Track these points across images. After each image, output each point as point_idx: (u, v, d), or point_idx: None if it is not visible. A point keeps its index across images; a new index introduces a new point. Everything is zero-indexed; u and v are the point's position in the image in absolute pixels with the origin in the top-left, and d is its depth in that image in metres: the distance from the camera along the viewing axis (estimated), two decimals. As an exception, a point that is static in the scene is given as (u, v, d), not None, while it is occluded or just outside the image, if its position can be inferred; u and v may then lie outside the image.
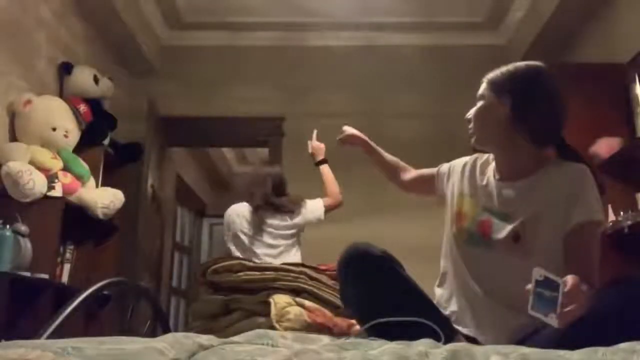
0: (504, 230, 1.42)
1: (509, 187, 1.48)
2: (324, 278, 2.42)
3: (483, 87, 1.53)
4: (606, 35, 3.21)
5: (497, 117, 1.46)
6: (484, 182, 1.54)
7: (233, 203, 3.15)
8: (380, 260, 1.42)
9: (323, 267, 2.57)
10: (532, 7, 3.68)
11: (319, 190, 3.30)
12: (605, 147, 2.66)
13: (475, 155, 1.66)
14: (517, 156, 1.48)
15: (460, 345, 0.79)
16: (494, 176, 1.53)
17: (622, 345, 0.88)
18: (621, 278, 1.20)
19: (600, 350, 0.81)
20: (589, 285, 1.25)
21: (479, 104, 1.53)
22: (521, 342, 1.19)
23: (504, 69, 1.52)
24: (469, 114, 1.56)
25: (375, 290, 1.38)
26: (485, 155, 1.62)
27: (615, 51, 3.02)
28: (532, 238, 1.39)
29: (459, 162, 1.67)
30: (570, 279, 1.10)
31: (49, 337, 1.02)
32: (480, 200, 1.51)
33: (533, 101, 1.45)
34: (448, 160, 1.72)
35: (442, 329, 1.23)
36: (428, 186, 1.72)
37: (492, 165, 1.56)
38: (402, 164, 1.92)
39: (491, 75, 1.53)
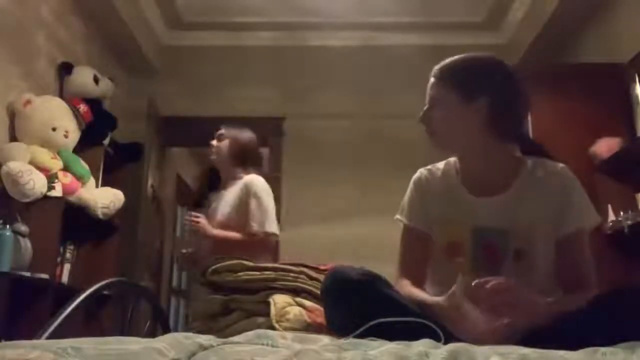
0: (508, 250, 1.32)
1: (494, 199, 1.36)
2: (323, 278, 2.42)
3: (441, 89, 1.38)
4: (606, 35, 3.21)
5: (471, 121, 1.33)
6: (464, 197, 1.40)
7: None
8: (358, 283, 1.25)
9: (323, 267, 2.56)
10: (532, 7, 3.68)
11: (319, 190, 3.30)
12: (605, 147, 2.66)
13: (439, 164, 1.50)
14: (494, 160, 1.38)
15: (460, 346, 0.79)
16: (467, 186, 1.40)
17: (622, 345, 0.88)
18: (623, 286, 1.18)
19: (600, 350, 0.81)
20: (588, 289, 1.25)
21: (443, 107, 1.37)
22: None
23: (460, 65, 1.39)
24: (422, 116, 1.40)
25: (358, 315, 1.18)
26: (442, 164, 1.49)
27: (615, 51, 3.02)
28: (533, 253, 1.31)
29: (425, 182, 1.48)
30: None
31: (49, 337, 1.02)
32: (466, 220, 1.36)
33: (511, 98, 1.35)
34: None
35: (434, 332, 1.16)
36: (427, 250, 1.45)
37: (454, 175, 1.44)
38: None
39: (447, 74, 1.38)
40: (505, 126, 1.36)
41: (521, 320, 1.11)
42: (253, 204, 2.53)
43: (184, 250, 2.70)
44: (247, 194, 2.55)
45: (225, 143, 2.74)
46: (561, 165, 1.40)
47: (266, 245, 2.58)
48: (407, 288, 1.36)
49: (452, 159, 1.48)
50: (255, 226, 2.49)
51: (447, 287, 1.23)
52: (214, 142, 2.81)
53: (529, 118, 1.43)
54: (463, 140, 1.38)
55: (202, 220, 2.50)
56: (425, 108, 1.41)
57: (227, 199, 2.62)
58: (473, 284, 1.15)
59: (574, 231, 1.33)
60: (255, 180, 2.61)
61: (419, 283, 1.40)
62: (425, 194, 1.46)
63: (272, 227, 2.54)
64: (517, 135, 1.41)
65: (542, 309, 1.16)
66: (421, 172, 1.51)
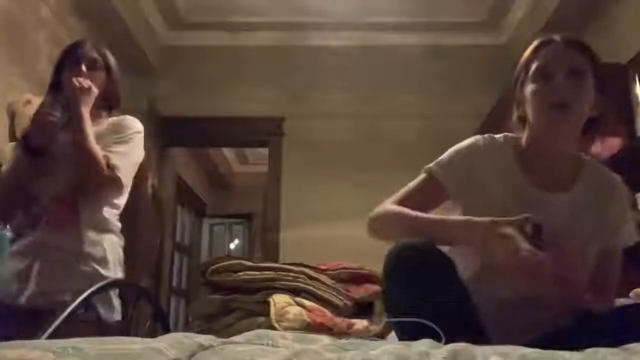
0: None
1: (558, 197, 1.26)
2: (323, 278, 2.42)
3: (581, 59, 1.29)
4: (606, 35, 3.21)
5: (590, 102, 1.27)
6: (523, 187, 1.26)
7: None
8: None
9: (323, 267, 2.57)
10: (532, 7, 3.69)
11: (319, 190, 3.30)
12: (605, 147, 2.66)
13: (498, 136, 1.33)
14: (566, 153, 1.31)
15: (460, 346, 0.79)
16: (524, 176, 1.28)
17: (623, 346, 0.87)
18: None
19: (601, 351, 0.81)
20: (609, 297, 1.26)
21: (585, 77, 1.26)
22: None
23: (593, 52, 1.32)
24: (563, 83, 1.24)
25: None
26: (500, 137, 1.33)
27: (615, 51, 3.02)
28: (584, 263, 1.22)
29: (482, 153, 1.30)
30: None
31: (49, 337, 1.02)
32: (519, 211, 1.15)
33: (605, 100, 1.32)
34: None
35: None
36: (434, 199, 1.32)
37: (511, 157, 1.29)
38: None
39: (588, 49, 1.32)
40: (596, 121, 1.32)
41: (567, 289, 1.07)
42: None
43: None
44: None
45: None
46: (618, 177, 1.36)
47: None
48: (407, 210, 1.22)
49: (516, 136, 1.34)
50: None
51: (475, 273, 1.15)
52: None
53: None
54: (582, 116, 1.27)
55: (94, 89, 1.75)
56: (562, 76, 1.25)
57: None
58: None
59: (618, 247, 1.33)
60: None
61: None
62: (477, 164, 1.29)
63: None
64: (596, 135, 1.37)
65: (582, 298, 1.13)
66: (478, 138, 1.33)
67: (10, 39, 2.75)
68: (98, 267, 1.66)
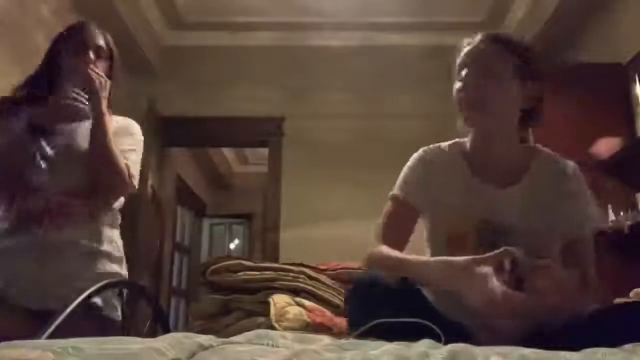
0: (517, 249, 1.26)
1: (507, 191, 1.30)
2: (323, 278, 2.43)
3: (501, 62, 1.29)
4: (606, 35, 3.21)
5: (516, 97, 1.29)
6: (473, 185, 1.31)
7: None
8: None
9: (323, 267, 2.57)
10: (532, 7, 3.69)
11: (319, 190, 3.30)
12: (605, 147, 2.66)
13: (444, 144, 1.41)
14: (514, 147, 1.34)
15: (460, 346, 0.79)
16: (476, 174, 1.33)
17: (623, 346, 0.87)
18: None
19: (600, 351, 0.81)
20: (592, 289, 1.24)
21: (499, 75, 1.28)
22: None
23: (519, 45, 1.32)
24: (475, 83, 1.28)
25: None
26: (446, 145, 1.40)
27: (615, 51, 3.02)
28: (545, 253, 1.24)
29: (430, 161, 1.38)
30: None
31: (49, 337, 1.02)
32: (473, 211, 1.28)
33: (543, 88, 1.33)
34: None
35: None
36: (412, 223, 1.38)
37: (460, 159, 1.36)
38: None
39: (508, 45, 1.31)
40: (537, 112, 1.34)
41: (551, 310, 1.05)
42: None
43: None
44: None
45: None
46: (572, 163, 1.36)
47: None
48: (393, 252, 1.26)
49: (460, 141, 1.40)
50: None
51: None
52: None
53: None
54: (504, 114, 1.31)
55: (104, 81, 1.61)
56: (474, 75, 1.30)
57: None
58: (526, 261, 1.08)
59: (584, 233, 1.32)
60: None
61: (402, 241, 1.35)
62: (430, 174, 1.36)
63: None
64: (538, 125, 1.38)
65: (574, 306, 1.10)
66: (426, 150, 1.41)
67: (10, 39, 2.75)
68: (116, 266, 1.57)
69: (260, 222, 5.63)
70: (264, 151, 4.45)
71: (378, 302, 1.14)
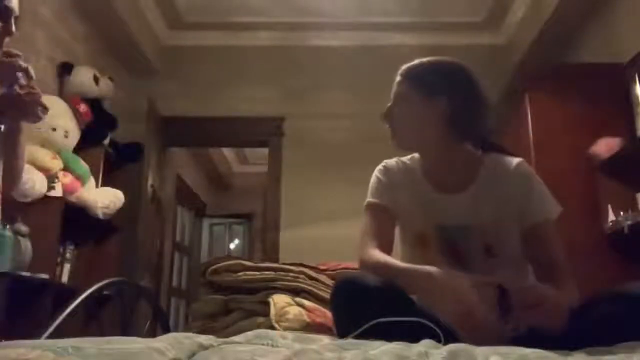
0: (474, 248, 1.36)
1: (456, 197, 1.40)
2: (323, 278, 2.42)
3: (405, 87, 1.44)
4: (606, 35, 3.21)
5: (430, 118, 1.39)
6: (427, 194, 1.44)
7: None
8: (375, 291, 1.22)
9: (323, 267, 2.56)
10: (532, 7, 3.69)
11: (319, 190, 3.30)
12: (605, 147, 2.66)
13: (405, 158, 1.55)
14: (453, 159, 1.43)
15: (459, 346, 0.79)
16: (430, 183, 1.45)
17: (622, 345, 0.88)
18: (622, 286, 1.16)
19: (599, 350, 0.81)
20: (567, 279, 1.27)
21: (405, 104, 1.44)
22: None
23: (424, 66, 1.45)
24: (385, 113, 1.47)
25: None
26: (407, 159, 1.54)
27: (615, 51, 3.02)
28: (502, 248, 1.35)
29: (392, 171, 1.53)
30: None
31: (49, 337, 1.02)
32: (430, 217, 1.40)
33: (470, 100, 1.40)
34: None
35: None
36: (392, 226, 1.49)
37: (417, 170, 1.49)
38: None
39: (411, 74, 1.45)
40: (464, 126, 1.40)
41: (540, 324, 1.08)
42: None
43: None
44: None
45: None
46: (518, 160, 1.44)
47: None
48: (383, 257, 1.34)
49: (417, 155, 1.52)
50: None
51: None
52: None
53: (488, 120, 1.47)
54: (421, 137, 1.43)
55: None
56: (388, 105, 1.47)
57: None
58: (516, 285, 1.12)
59: (539, 222, 1.36)
60: None
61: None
62: (393, 182, 1.49)
63: None
64: (476, 135, 1.45)
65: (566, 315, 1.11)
66: (387, 162, 1.55)
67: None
68: None
69: (260, 222, 5.63)
70: (264, 151, 4.45)
71: (361, 301, 1.18)
